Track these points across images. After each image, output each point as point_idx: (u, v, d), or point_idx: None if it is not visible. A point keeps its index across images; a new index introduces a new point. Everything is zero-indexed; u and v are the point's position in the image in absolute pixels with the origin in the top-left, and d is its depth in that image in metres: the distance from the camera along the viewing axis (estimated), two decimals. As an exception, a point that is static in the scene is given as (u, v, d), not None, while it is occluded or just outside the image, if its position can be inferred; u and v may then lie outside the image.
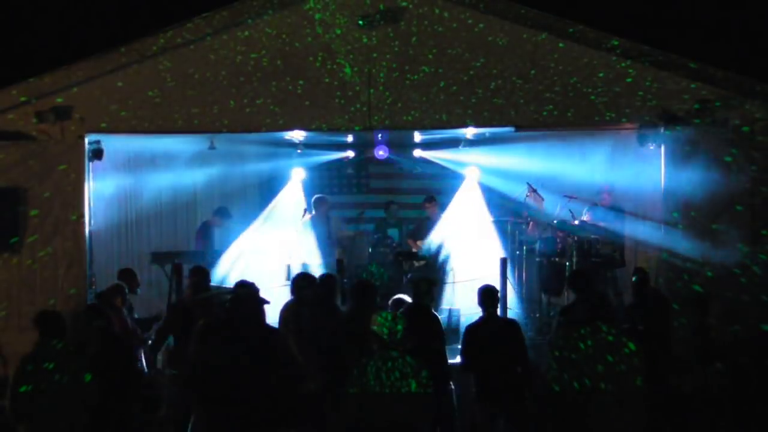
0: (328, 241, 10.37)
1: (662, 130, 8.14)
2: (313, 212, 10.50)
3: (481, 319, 6.40)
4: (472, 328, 6.38)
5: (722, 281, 7.65)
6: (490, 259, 9.72)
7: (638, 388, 4.70)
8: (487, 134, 10.35)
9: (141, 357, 7.38)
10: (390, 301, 6.82)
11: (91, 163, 8.65)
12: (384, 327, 4.85)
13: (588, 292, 6.18)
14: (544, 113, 8.10)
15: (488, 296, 6.39)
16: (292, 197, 11.75)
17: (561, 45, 8.08)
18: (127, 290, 7.59)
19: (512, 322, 6.70)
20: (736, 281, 7.63)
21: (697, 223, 7.85)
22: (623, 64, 8.03)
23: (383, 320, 4.90)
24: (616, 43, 8.01)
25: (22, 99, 8.25)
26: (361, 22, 8.15)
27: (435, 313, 6.74)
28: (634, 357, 4.77)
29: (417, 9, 8.19)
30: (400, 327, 4.88)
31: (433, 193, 11.38)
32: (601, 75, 8.04)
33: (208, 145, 10.10)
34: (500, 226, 10.75)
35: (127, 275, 8.02)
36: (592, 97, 8.04)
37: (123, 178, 10.18)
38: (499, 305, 6.61)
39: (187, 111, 8.35)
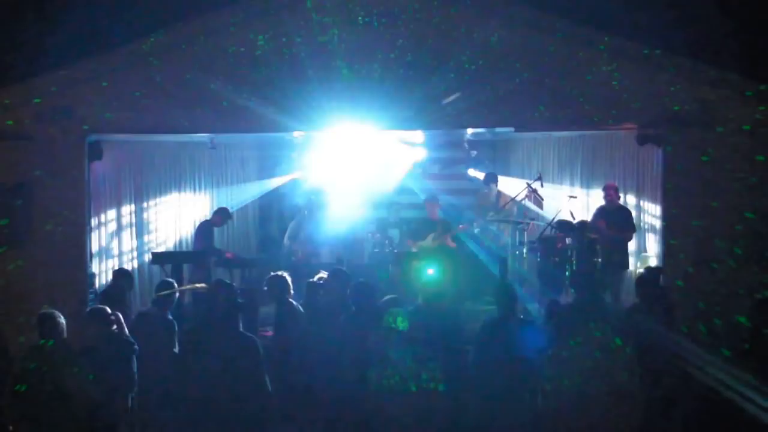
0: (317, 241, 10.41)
1: (659, 130, 8.17)
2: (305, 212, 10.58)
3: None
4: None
5: (700, 276, 7.84)
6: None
7: (628, 383, 4.77)
8: (487, 135, 10.40)
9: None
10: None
11: (91, 164, 8.68)
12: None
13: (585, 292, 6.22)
14: (536, 115, 8.11)
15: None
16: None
17: (551, 49, 8.08)
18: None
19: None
20: (715, 275, 7.81)
21: (679, 220, 8.01)
22: (617, 65, 8.03)
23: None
24: (602, 48, 8.06)
25: (23, 99, 8.27)
26: (359, 22, 8.15)
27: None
28: (622, 353, 4.84)
29: (415, 10, 8.18)
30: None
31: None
32: (588, 78, 8.07)
33: (209, 145, 10.15)
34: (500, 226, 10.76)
35: (122, 276, 8.03)
36: (581, 99, 8.05)
37: (123, 177, 10.21)
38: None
39: (186, 111, 8.35)
